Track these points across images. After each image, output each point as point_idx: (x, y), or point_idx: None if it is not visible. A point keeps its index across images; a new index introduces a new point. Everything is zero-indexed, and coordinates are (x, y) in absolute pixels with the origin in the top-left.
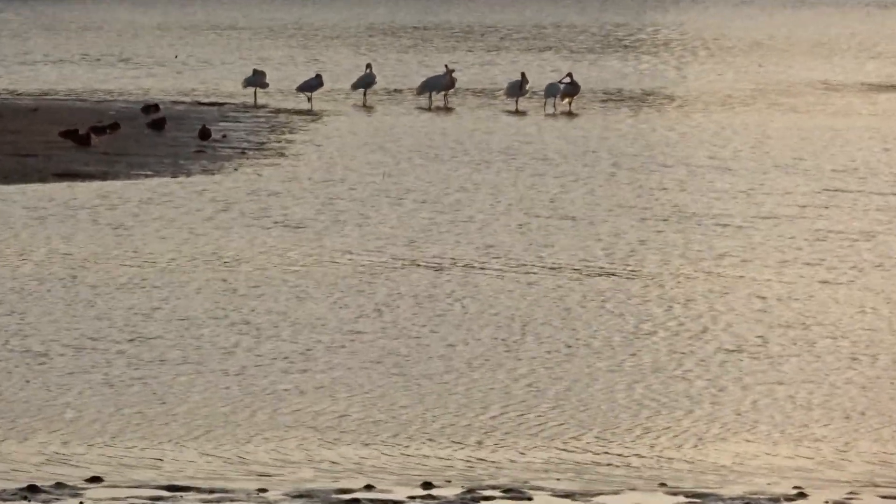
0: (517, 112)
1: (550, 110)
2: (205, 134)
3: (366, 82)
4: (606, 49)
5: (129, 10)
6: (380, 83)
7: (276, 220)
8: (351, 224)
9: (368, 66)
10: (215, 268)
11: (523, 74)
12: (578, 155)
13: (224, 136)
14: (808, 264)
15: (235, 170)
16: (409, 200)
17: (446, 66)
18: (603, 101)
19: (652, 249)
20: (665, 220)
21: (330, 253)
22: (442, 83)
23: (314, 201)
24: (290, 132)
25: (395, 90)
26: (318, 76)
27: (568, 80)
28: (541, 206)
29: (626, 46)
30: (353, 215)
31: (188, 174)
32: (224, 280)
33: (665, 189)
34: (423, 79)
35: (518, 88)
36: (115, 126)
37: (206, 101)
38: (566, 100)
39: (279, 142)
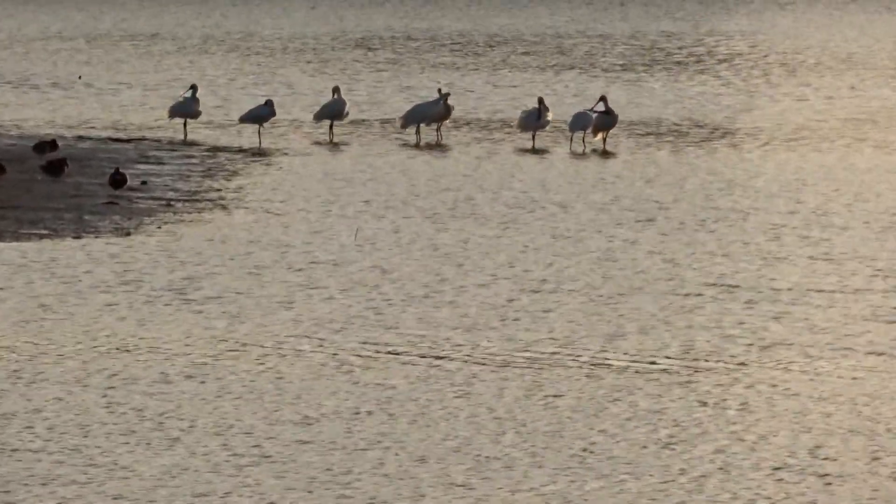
0: (534, 150)
1: (578, 147)
2: (118, 180)
3: (333, 111)
4: (650, 67)
5: (15, 13)
6: (351, 112)
7: (195, 295)
8: (292, 302)
9: (336, 89)
10: (105, 359)
11: (542, 101)
12: (604, 206)
13: (143, 184)
14: (887, 354)
15: (159, 228)
16: (373, 270)
17: (440, 89)
18: (643, 135)
19: (683, 334)
20: (705, 294)
21: (256, 339)
22: (434, 112)
23: (250, 269)
24: (232, 177)
25: (371, 121)
26: (269, 103)
27: (601, 108)
28: (544, 276)
29: (677, 63)
30: (297, 290)
31: (96, 234)
32: (116, 374)
33: (710, 253)
34: (410, 106)
35: (535, 119)
36: None
37: (119, 135)
38: (599, 134)
39: (217, 190)
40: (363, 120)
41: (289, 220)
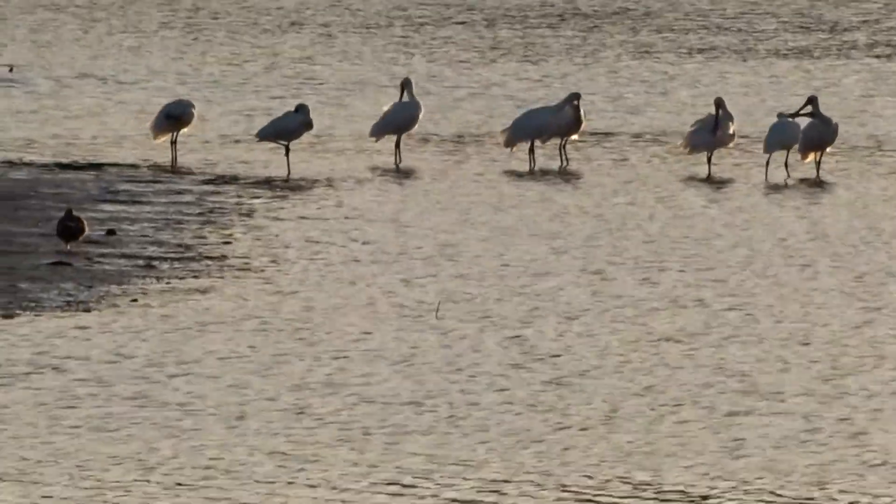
0: (709, 179)
1: (778, 174)
2: (70, 229)
3: (399, 120)
4: (848, 51)
5: None
6: (426, 121)
7: (185, 407)
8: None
9: (406, 83)
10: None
11: (721, 104)
12: (807, 276)
13: (110, 234)
14: None
15: (133, 302)
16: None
17: (576, 95)
18: (867, 154)
19: None
20: None
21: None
22: (556, 122)
23: (268, 372)
24: (244, 224)
25: (459, 136)
26: (302, 109)
27: (808, 111)
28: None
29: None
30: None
31: (36, 310)
32: None
33: None
34: (519, 113)
35: (711, 132)
36: None
37: (73, 159)
38: (810, 154)
39: (221, 244)
40: (445, 136)
41: (328, 289)
